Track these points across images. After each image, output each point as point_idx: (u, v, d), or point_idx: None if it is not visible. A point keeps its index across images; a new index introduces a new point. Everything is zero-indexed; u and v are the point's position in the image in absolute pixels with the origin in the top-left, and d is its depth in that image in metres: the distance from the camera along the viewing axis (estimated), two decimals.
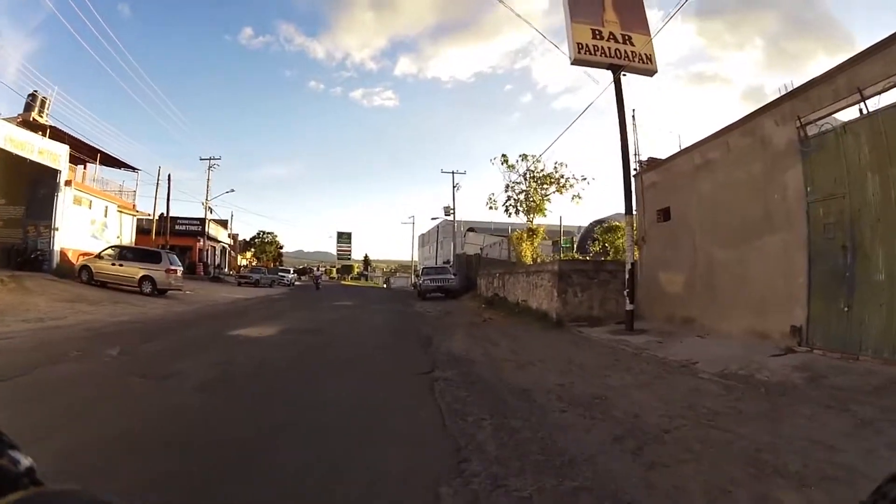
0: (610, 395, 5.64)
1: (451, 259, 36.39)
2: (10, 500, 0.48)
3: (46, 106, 23.01)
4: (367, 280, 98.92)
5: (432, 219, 38.60)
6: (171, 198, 34.95)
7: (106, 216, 23.61)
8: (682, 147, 12.45)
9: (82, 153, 23.17)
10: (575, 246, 32.25)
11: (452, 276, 24.09)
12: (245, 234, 69.23)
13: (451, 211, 38.03)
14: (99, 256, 17.88)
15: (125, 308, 12.64)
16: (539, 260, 19.07)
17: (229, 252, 50.32)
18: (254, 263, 63.12)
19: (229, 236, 49.44)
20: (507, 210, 19.67)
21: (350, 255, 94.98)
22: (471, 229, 32.91)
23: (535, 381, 5.99)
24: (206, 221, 40.20)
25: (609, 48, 12.20)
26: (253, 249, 66.24)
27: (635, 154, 15.18)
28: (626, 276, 11.42)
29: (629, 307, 11.24)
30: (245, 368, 6.39)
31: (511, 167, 20.32)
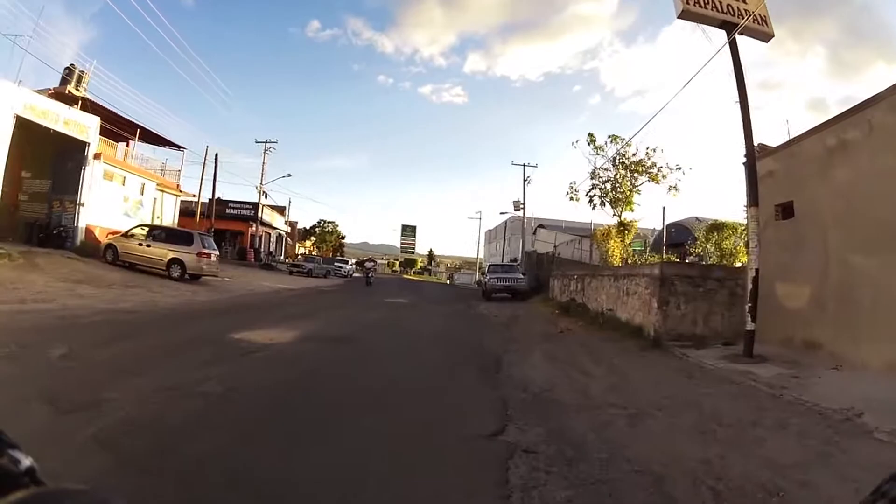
0: (785, 484, 3.57)
1: (520, 257, 34.24)
2: (11, 500, 0.48)
3: (84, 80, 21.72)
4: (430, 275, 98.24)
5: (501, 213, 36.70)
6: (218, 180, 34.32)
7: (142, 194, 22.81)
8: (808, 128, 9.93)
9: (120, 128, 22.52)
10: (648, 250, 29.66)
11: (521, 276, 22.05)
12: (306, 223, 70.17)
13: (521, 205, 35.78)
14: (127, 235, 16.72)
15: (136, 294, 11.23)
16: (631, 261, 16.55)
17: (286, 240, 50.45)
18: (313, 252, 63.72)
19: (286, 223, 49.46)
20: (591, 200, 16.99)
21: (414, 248, 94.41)
22: (541, 226, 30.65)
23: (665, 454, 3.94)
24: (260, 206, 39.97)
25: (721, 2, 10.00)
26: (313, 238, 66.85)
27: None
28: (749, 286, 8.96)
29: (750, 326, 8.80)
30: (197, 405, 4.14)
31: (598, 149, 17.53)
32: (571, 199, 16.70)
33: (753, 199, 9.46)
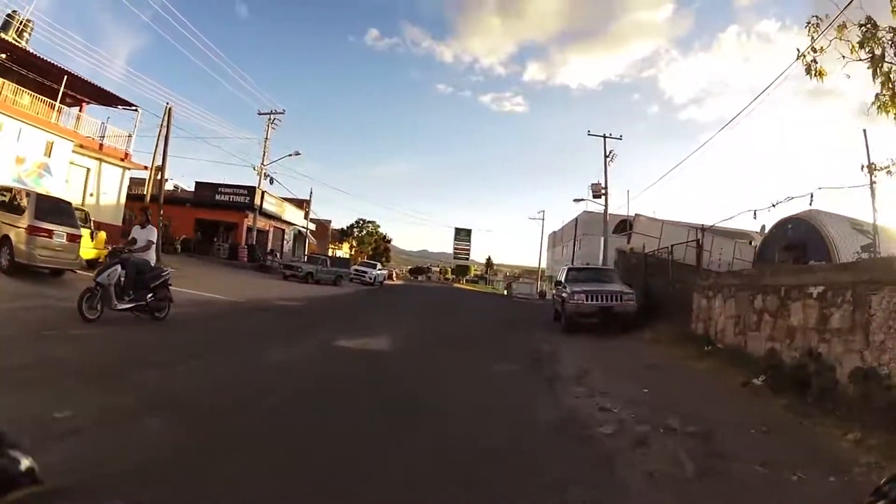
0: None
1: (602, 260, 24.37)
2: (10, 500, 0.49)
3: (27, 30, 19.55)
4: (486, 284, 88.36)
5: (575, 200, 26.87)
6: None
7: (49, 156, 16.25)
8: None
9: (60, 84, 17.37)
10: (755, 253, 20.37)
11: (628, 291, 12.43)
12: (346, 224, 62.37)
13: (603, 190, 25.90)
14: None
15: None
16: None
17: (308, 239, 42.43)
18: (353, 256, 55.84)
19: (306, 218, 41.47)
20: (883, 84, 6.69)
21: (468, 254, 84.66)
22: (638, 215, 20.85)
23: None
24: (258, 192, 31.86)
25: None
26: (351, 239, 58.71)
27: None
28: None
29: None
30: None
31: None
32: (814, 75, 6.20)
33: None
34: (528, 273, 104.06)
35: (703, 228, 18.25)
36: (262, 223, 34.54)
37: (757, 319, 7.88)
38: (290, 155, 34.00)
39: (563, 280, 14.37)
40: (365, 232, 60.59)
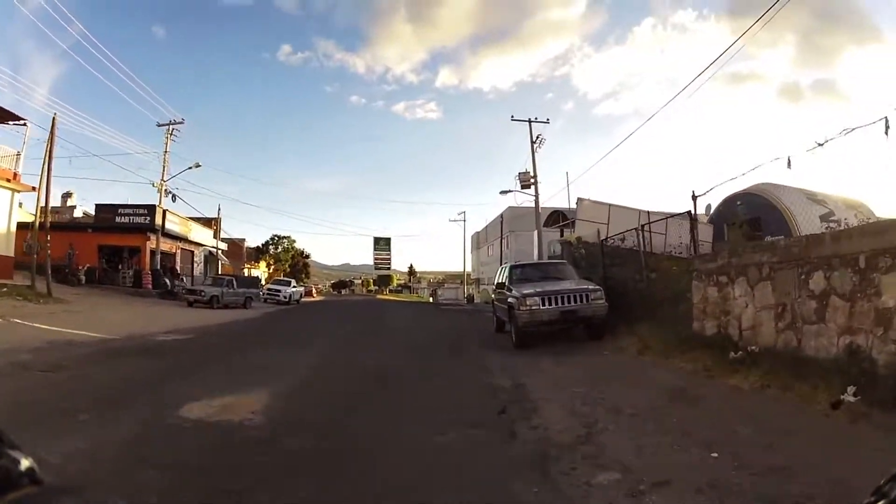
0: None
1: (538, 255, 21.95)
2: (10, 500, 0.49)
3: None
4: (410, 293, 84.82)
5: (502, 192, 24.18)
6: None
7: None
8: None
9: None
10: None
11: (593, 288, 9.65)
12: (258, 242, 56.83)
13: (532, 179, 23.51)
14: None
15: None
16: None
17: (220, 260, 37.65)
18: (271, 274, 50.67)
19: (217, 237, 36.76)
20: None
21: (389, 263, 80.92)
22: (581, 199, 18.50)
23: None
24: (160, 211, 27.27)
25: None
26: (266, 257, 53.22)
27: None
28: None
29: None
30: None
31: None
32: None
33: None
34: (453, 278, 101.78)
35: (649, 213, 16.41)
36: (167, 245, 29.47)
37: (818, 306, 5.28)
38: (191, 167, 29.27)
39: (505, 281, 11.43)
40: (281, 248, 55.18)
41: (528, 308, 9.28)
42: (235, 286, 23.89)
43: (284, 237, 54.97)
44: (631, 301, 10.11)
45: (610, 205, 17.21)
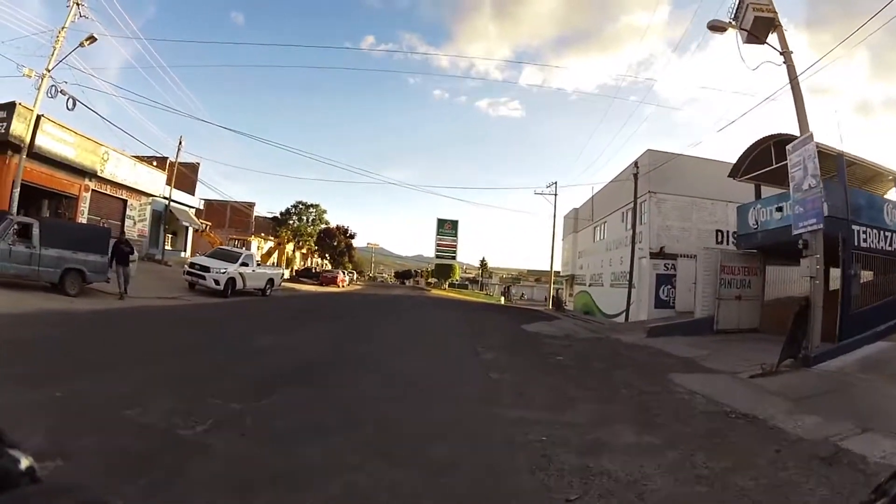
0: None
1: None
2: (10, 496, 0.49)
3: None
4: (480, 289, 70.83)
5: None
6: None
7: None
8: None
9: None
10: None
11: None
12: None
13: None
14: None
15: None
16: None
17: (185, 221, 26.08)
18: (283, 256, 39.10)
19: (171, 183, 25.21)
20: None
21: (454, 251, 66.86)
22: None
23: None
24: (21, 111, 15.36)
25: None
26: (283, 230, 40.92)
27: None
28: None
29: None
30: None
31: None
32: None
33: None
34: (527, 275, 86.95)
35: None
36: (36, 174, 17.71)
37: None
38: (82, 44, 17.29)
39: None
40: (306, 219, 42.95)
41: None
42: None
43: (313, 205, 42.28)
44: None
45: None
